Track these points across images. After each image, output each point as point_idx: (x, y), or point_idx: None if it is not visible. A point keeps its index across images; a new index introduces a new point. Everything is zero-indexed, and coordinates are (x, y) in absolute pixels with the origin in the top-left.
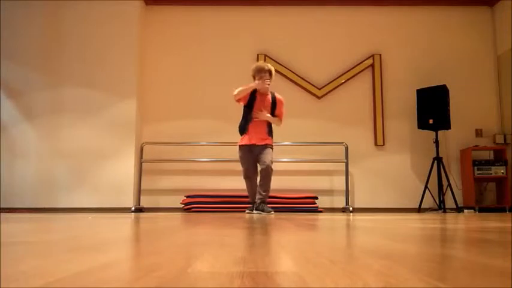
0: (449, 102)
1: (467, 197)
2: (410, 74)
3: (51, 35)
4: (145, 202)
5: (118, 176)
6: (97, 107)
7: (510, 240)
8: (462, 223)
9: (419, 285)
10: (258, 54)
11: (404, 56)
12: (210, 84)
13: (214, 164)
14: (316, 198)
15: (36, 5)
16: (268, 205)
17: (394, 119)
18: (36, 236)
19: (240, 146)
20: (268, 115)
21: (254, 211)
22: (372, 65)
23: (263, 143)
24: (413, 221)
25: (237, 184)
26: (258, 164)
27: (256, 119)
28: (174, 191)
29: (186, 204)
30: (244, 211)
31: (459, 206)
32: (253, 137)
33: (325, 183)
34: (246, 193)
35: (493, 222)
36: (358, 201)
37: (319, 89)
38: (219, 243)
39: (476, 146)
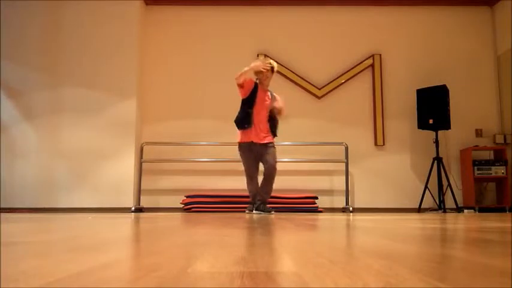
0: (449, 102)
1: (467, 197)
2: (410, 74)
3: (51, 35)
4: (145, 202)
5: (118, 176)
6: (97, 107)
7: (510, 240)
8: (462, 223)
9: (419, 285)
10: (258, 54)
11: (404, 56)
12: (210, 84)
13: (214, 164)
14: (316, 198)
15: (36, 5)
16: (268, 205)
17: (394, 119)
18: (36, 236)
19: (239, 143)
20: (279, 98)
21: (254, 211)
22: (372, 65)
23: (264, 141)
24: (413, 221)
25: (237, 184)
26: (260, 163)
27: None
28: (174, 191)
29: (186, 204)
30: (244, 211)
31: (459, 206)
32: (252, 134)
33: (325, 183)
34: (246, 193)
35: (493, 222)
36: (358, 201)
37: (319, 89)
38: (219, 243)
39: (476, 146)
